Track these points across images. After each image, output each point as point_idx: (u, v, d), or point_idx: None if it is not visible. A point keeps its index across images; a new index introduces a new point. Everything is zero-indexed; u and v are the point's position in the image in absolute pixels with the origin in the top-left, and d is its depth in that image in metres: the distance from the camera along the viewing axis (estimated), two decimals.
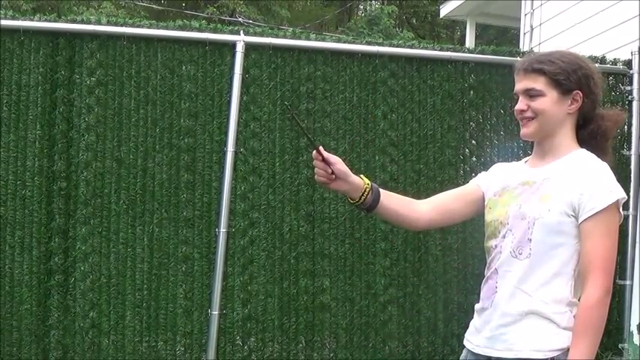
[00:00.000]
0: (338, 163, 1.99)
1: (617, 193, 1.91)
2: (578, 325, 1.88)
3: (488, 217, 2.08)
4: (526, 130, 2.03)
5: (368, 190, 2.02)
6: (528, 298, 1.93)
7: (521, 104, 2.01)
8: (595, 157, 1.99)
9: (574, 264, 1.93)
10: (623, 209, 1.99)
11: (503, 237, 2.00)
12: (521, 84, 2.02)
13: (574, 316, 1.91)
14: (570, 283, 1.93)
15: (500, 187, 2.10)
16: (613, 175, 1.95)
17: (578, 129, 2.04)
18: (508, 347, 1.95)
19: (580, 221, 1.90)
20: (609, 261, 1.90)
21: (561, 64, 1.98)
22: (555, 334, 1.91)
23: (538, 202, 1.95)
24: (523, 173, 2.07)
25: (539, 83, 1.98)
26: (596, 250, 1.89)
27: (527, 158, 2.15)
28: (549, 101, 1.98)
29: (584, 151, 2.01)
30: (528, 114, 2.00)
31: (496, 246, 2.03)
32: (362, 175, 2.05)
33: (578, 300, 1.92)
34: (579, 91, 1.99)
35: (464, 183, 2.28)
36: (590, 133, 2.04)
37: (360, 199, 2.03)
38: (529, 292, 1.94)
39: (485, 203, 2.13)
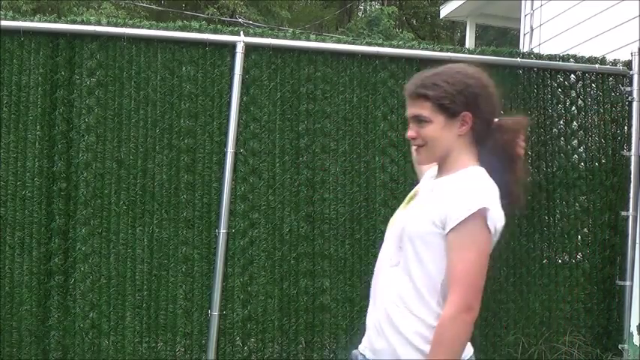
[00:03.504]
0: None
1: (479, 203, 1.81)
2: (432, 343, 1.82)
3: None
4: (419, 158, 2.03)
5: None
6: (395, 309, 1.90)
7: (411, 131, 1.98)
8: (483, 175, 1.91)
9: (442, 278, 1.86)
10: (623, 210, 1.97)
11: (385, 240, 2.01)
12: (409, 110, 1.98)
13: None
14: (436, 297, 1.87)
15: (414, 189, 2.12)
16: (488, 190, 1.88)
17: (478, 144, 1.98)
18: (373, 351, 1.95)
19: (446, 233, 1.84)
20: (471, 275, 1.80)
21: (446, 86, 1.92)
22: (415, 349, 1.87)
23: (412, 210, 1.95)
24: (425, 182, 2.08)
25: (425, 110, 1.93)
26: (457, 263, 1.81)
27: None
28: (437, 127, 1.93)
29: (476, 168, 1.94)
30: (418, 142, 1.97)
31: (381, 247, 2.03)
32: None
33: None
34: (468, 112, 1.93)
35: None
36: (490, 150, 1.98)
37: None
38: (396, 302, 1.90)
39: None
